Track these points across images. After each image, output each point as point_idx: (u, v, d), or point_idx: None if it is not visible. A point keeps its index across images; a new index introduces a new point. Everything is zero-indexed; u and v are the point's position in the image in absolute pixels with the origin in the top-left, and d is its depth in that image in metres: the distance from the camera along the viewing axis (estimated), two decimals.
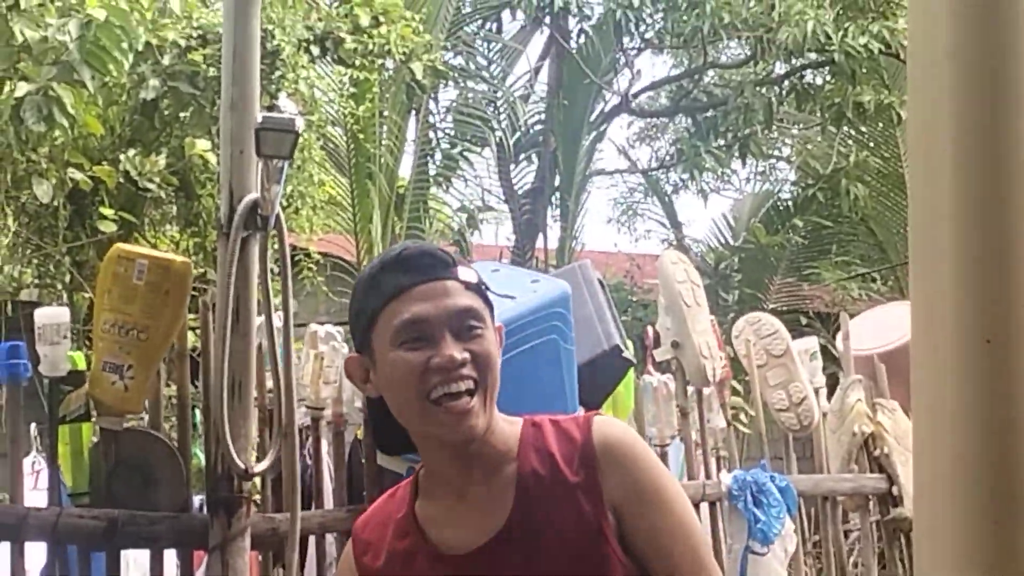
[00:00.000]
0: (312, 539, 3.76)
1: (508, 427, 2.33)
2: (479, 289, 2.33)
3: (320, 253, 11.41)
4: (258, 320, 3.32)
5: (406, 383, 2.24)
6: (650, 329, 4.73)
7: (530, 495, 2.28)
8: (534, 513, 2.27)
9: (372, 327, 2.28)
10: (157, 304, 3.26)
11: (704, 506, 4.37)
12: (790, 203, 15.13)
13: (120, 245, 3.39)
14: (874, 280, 14.50)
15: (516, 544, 2.27)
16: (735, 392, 8.68)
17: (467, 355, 2.28)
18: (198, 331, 3.62)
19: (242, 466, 3.20)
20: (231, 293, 3.16)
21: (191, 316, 3.93)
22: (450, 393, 2.25)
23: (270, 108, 7.80)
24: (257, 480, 3.60)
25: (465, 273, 2.33)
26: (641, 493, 2.26)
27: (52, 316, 3.36)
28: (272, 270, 3.36)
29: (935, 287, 1.54)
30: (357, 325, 2.32)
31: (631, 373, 4.01)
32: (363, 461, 3.75)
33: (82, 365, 3.51)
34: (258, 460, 3.35)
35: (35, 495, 4.56)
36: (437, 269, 2.33)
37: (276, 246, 3.30)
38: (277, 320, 3.38)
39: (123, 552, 3.45)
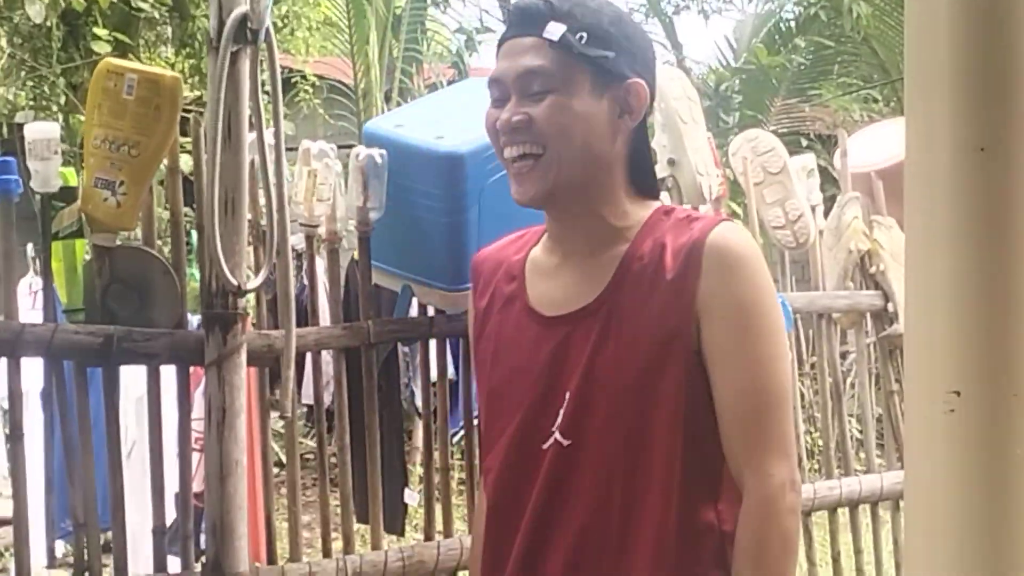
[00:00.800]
0: (308, 356, 3.79)
1: (634, 207, 2.35)
2: (568, 47, 2.26)
3: (317, 75, 11.36)
4: (250, 136, 3.29)
5: (491, 140, 2.39)
6: None
7: (627, 278, 2.30)
8: (624, 297, 2.29)
9: None
10: (148, 119, 3.23)
11: None
12: (792, 23, 14.98)
13: (109, 59, 3.34)
14: (876, 100, 14.47)
15: (599, 321, 2.31)
16: (734, 215, 8.69)
17: (522, 117, 2.29)
18: (192, 152, 3.59)
19: (235, 282, 3.20)
20: (221, 108, 3.13)
21: (184, 140, 3.91)
22: (513, 156, 2.32)
23: None
24: (252, 298, 3.61)
25: (553, 30, 2.27)
26: (727, 306, 2.22)
27: (42, 131, 3.33)
28: (263, 85, 3.33)
29: (929, 94, 1.52)
30: None
31: None
32: (359, 278, 3.76)
33: (74, 182, 3.49)
34: (254, 277, 3.35)
35: (33, 315, 4.59)
36: (525, 24, 2.31)
37: (267, 61, 3.26)
38: (269, 136, 3.36)
39: (123, 372, 3.48)
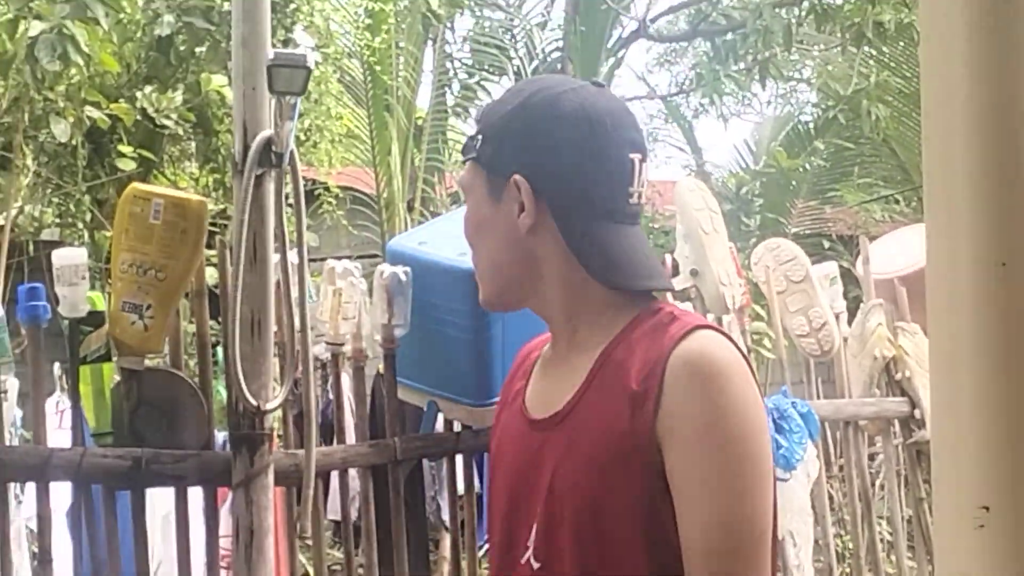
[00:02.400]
0: (335, 474, 3.79)
1: (618, 303, 2.11)
2: (467, 151, 2.18)
3: (339, 187, 11.42)
4: (275, 257, 3.32)
5: None
6: (668, 258, 4.72)
7: (593, 386, 2.09)
8: (589, 405, 2.09)
9: None
10: (174, 243, 3.26)
11: None
12: (811, 125, 15.06)
13: (136, 185, 3.39)
14: (897, 201, 14.47)
15: (566, 429, 2.11)
16: (758, 317, 8.68)
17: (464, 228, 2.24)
18: (217, 267, 3.62)
19: (254, 403, 3.21)
20: (246, 230, 3.17)
21: (210, 253, 3.94)
22: None
23: (285, 42, 7.80)
24: (279, 417, 3.62)
25: (467, 147, 2.19)
26: (690, 429, 1.97)
27: (69, 257, 3.37)
28: (287, 207, 3.36)
29: (949, 209, 1.53)
30: None
31: None
32: (384, 394, 3.77)
33: (102, 306, 3.52)
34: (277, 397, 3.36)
35: (59, 434, 4.60)
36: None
37: (291, 181, 3.30)
38: (293, 256, 3.39)
39: (147, 491, 3.48)
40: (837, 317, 4.90)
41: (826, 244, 12.42)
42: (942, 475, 1.56)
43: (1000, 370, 1.49)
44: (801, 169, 14.00)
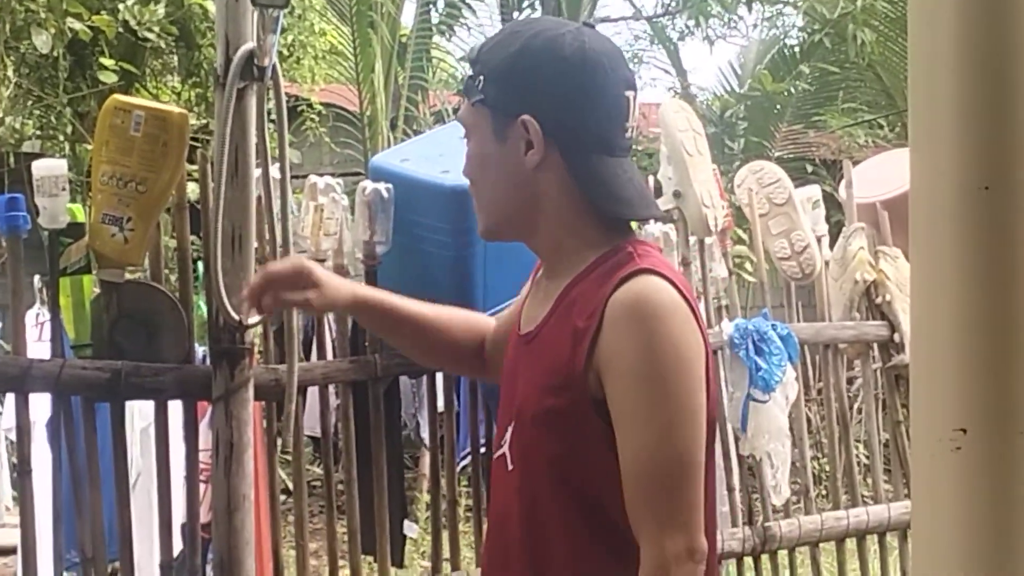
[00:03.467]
0: (315, 389, 3.79)
1: (600, 237, 2.29)
2: (469, 91, 2.31)
3: (322, 103, 11.37)
4: (257, 172, 3.30)
5: None
6: (651, 179, 4.71)
7: (554, 316, 2.29)
8: (547, 333, 2.29)
9: None
10: (155, 156, 3.24)
11: None
12: (796, 49, 15.02)
13: (116, 96, 3.36)
14: (881, 126, 14.47)
15: (532, 349, 2.33)
16: (740, 241, 8.69)
17: (467, 170, 2.38)
18: (199, 182, 3.61)
19: (236, 317, 3.21)
20: (228, 144, 3.15)
21: (192, 167, 3.92)
22: None
23: None
24: (260, 332, 3.62)
25: (468, 76, 2.32)
26: (622, 365, 2.15)
27: (49, 168, 3.35)
28: (269, 122, 3.34)
29: (933, 133, 1.53)
30: None
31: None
32: None
33: (82, 217, 3.50)
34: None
35: (40, 346, 4.60)
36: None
37: (273, 96, 3.27)
38: (275, 171, 3.37)
39: (127, 403, 3.49)
40: (819, 240, 4.90)
41: (809, 168, 12.43)
42: (920, 398, 1.57)
43: (980, 294, 1.50)
44: (786, 93, 13.97)
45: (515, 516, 2.33)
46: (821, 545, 4.77)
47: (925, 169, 1.55)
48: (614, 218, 2.32)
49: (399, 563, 4.18)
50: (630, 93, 2.29)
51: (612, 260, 2.25)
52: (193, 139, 9.23)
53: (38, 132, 9.11)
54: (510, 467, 2.35)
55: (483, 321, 2.75)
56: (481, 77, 2.29)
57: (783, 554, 4.67)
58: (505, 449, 2.36)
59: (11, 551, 5.40)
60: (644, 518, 2.16)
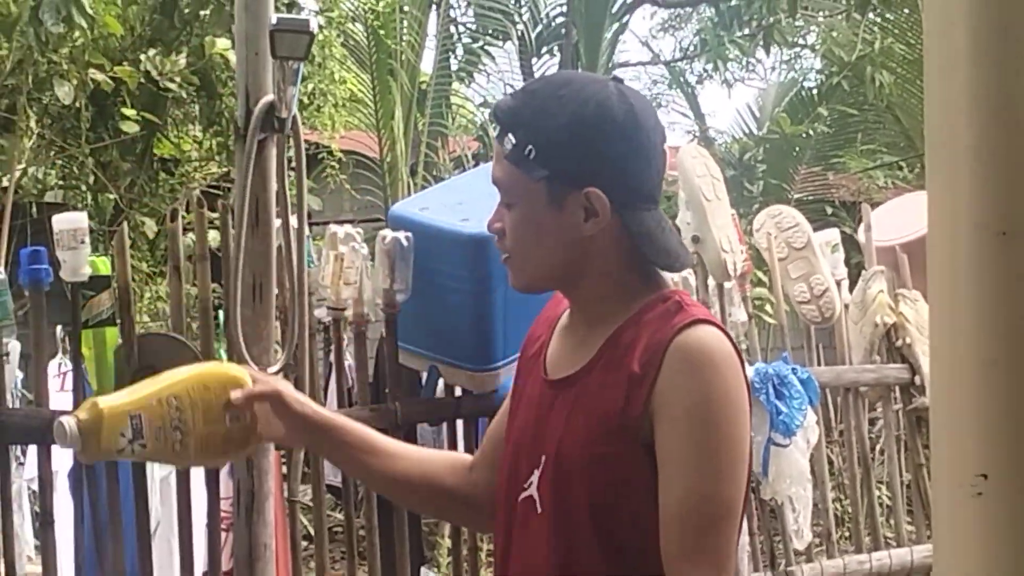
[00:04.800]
0: None
1: (639, 286, 2.29)
2: (517, 161, 2.26)
3: (343, 150, 11.41)
4: (277, 222, 3.32)
5: None
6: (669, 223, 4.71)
7: (599, 363, 2.28)
8: (595, 378, 2.28)
9: None
10: (217, 439, 2.88)
11: None
12: (815, 92, 15.00)
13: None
14: (900, 168, 14.45)
15: (573, 394, 2.31)
16: (760, 283, 8.67)
17: (499, 225, 2.33)
18: (220, 231, 3.63)
19: (255, 367, 3.21)
20: (248, 195, 3.16)
21: (213, 215, 3.94)
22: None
23: (289, 6, 7.77)
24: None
25: (507, 144, 2.27)
26: (679, 409, 2.17)
27: (69, 221, 3.37)
28: (289, 171, 3.36)
29: (951, 177, 1.53)
30: None
31: None
32: (386, 359, 3.78)
33: (105, 270, 3.53)
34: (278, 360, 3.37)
35: (62, 396, 4.61)
36: (497, 128, 2.31)
37: (293, 146, 3.29)
38: (295, 221, 3.39)
39: None
40: (839, 284, 4.90)
41: (829, 210, 12.39)
42: (940, 442, 1.56)
43: (1000, 338, 1.49)
44: (804, 135, 13.95)
45: (544, 562, 2.33)
46: None
47: (942, 213, 1.55)
48: (666, 269, 2.34)
49: None
50: (665, 145, 2.32)
51: (661, 308, 2.26)
52: (214, 187, 9.29)
53: (60, 182, 9.15)
54: (539, 510, 2.33)
55: (462, 459, 2.69)
56: (530, 147, 2.25)
57: None
58: (532, 492, 2.34)
59: None
60: (681, 556, 2.16)
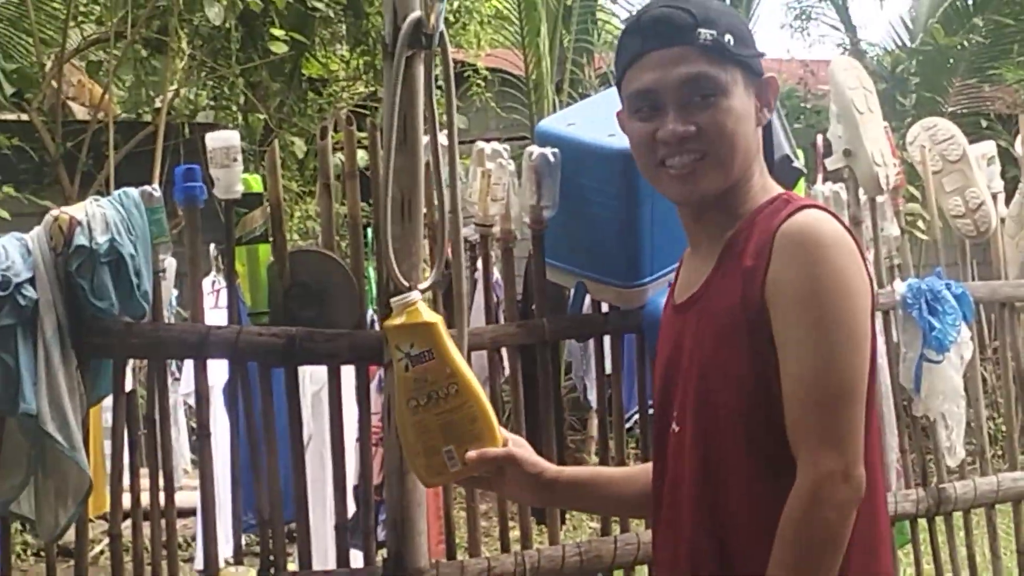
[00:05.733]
0: (484, 353, 3.82)
1: (755, 195, 2.33)
2: (721, 51, 2.28)
3: (488, 68, 11.41)
4: (425, 139, 3.33)
5: (639, 152, 2.35)
6: (820, 138, 4.64)
7: (721, 266, 2.31)
8: (715, 283, 2.31)
9: (620, 90, 2.38)
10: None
11: (878, 315, 4.33)
12: (970, 1, 14.60)
13: None
14: None
15: (695, 311, 2.34)
16: (912, 198, 8.53)
17: (692, 128, 2.29)
18: (368, 150, 3.65)
19: (406, 284, 3.24)
20: (396, 112, 3.17)
21: (361, 135, 3.97)
22: (680, 164, 2.31)
23: None
24: (430, 297, 3.65)
25: (707, 36, 2.28)
26: (790, 292, 2.17)
27: (222, 139, 3.42)
28: (437, 88, 3.37)
29: None
30: (617, 84, 2.41)
31: (802, 183, 3.96)
32: (534, 276, 3.79)
33: (257, 187, 3.58)
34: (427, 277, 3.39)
35: (216, 313, 4.71)
36: (669, 35, 2.30)
37: (441, 63, 3.30)
38: (443, 138, 3.39)
39: (301, 368, 3.56)
40: (994, 197, 4.79)
41: (984, 124, 12.12)
42: None
43: None
44: (959, 47, 13.61)
45: (688, 474, 2.35)
46: (997, 507, 4.69)
47: None
48: (774, 171, 2.38)
49: (540, 522, 4.22)
50: None
51: (770, 208, 2.28)
52: (361, 106, 9.36)
53: (211, 103, 9.29)
54: (676, 429, 2.37)
55: None
56: (729, 36, 2.29)
57: (958, 516, 4.60)
58: (673, 424, 2.37)
59: (190, 513, 5.55)
60: (803, 438, 2.17)
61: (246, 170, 3.64)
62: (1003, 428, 5.03)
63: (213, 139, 3.40)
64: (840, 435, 2.16)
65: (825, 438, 2.15)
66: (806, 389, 2.16)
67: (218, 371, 3.79)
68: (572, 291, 3.95)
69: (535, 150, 3.66)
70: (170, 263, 3.77)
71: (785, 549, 2.19)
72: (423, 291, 3.32)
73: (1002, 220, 4.83)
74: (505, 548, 3.77)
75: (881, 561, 2.34)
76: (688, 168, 2.30)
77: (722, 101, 2.29)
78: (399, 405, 2.49)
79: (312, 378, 4.53)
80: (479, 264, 4.09)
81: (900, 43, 14.79)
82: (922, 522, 4.49)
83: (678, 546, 2.38)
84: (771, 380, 2.21)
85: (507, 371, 3.87)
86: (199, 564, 5.01)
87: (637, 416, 4.04)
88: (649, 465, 2.60)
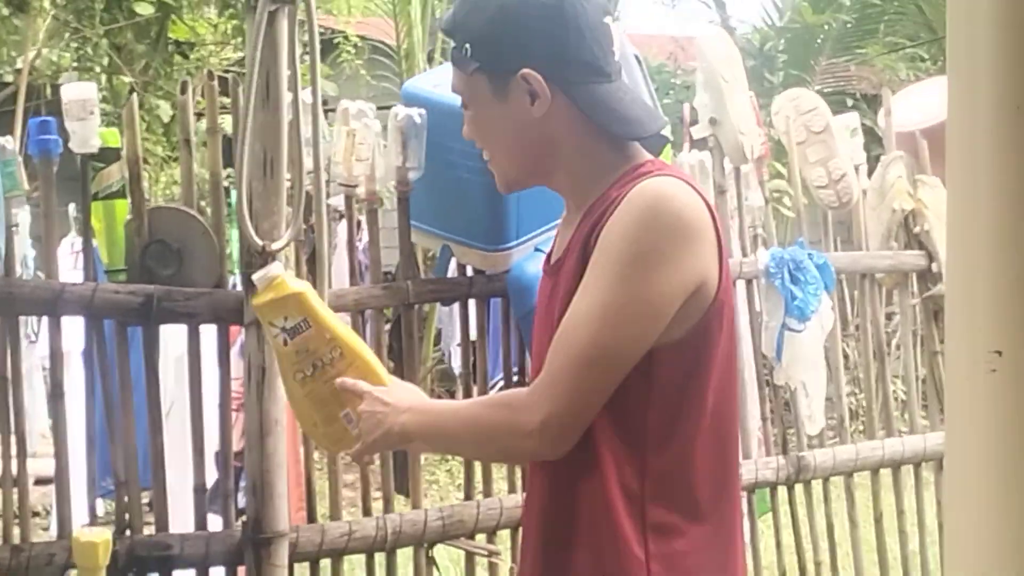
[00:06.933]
0: (348, 316, 3.78)
1: (615, 160, 2.33)
2: (461, 63, 2.35)
3: (359, 36, 11.33)
4: (289, 97, 3.28)
5: None
6: (687, 106, 4.66)
7: (575, 234, 2.33)
8: (570, 250, 2.33)
9: None
10: None
11: (740, 284, 4.36)
12: None
13: None
14: (923, 59, 14.32)
15: (558, 278, 2.36)
16: (779, 175, 8.62)
17: (467, 132, 2.45)
18: (231, 111, 3.59)
19: (259, 243, 3.20)
20: (258, 67, 3.12)
21: (226, 100, 3.91)
22: None
23: None
24: (291, 258, 3.61)
25: (455, 47, 2.36)
26: (603, 241, 2.20)
27: (78, 92, 3.34)
28: (301, 44, 3.31)
29: (971, 52, 1.50)
30: None
31: (668, 150, 3.97)
32: (398, 238, 3.75)
33: (115, 143, 3.50)
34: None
35: (76, 275, 4.60)
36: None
37: (306, 19, 3.24)
38: (307, 96, 3.35)
39: (162, 335, 3.49)
40: (857, 169, 4.84)
41: (850, 103, 12.30)
42: (955, 320, 1.55)
43: (1017, 213, 1.47)
44: (826, 26, 13.80)
45: None
46: (856, 476, 4.75)
47: (962, 89, 1.53)
48: (628, 140, 2.35)
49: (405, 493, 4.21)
50: (607, 18, 2.34)
51: (634, 173, 2.29)
52: (230, 72, 9.23)
53: (75, 64, 9.12)
54: None
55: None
56: (467, 45, 2.33)
57: (817, 484, 4.66)
58: None
59: (48, 481, 5.44)
60: (534, 383, 2.24)
61: (105, 126, 3.56)
62: (864, 403, 5.09)
63: (69, 91, 3.32)
64: (564, 392, 2.18)
65: (546, 391, 2.19)
66: (567, 333, 2.19)
67: (75, 336, 3.70)
68: (438, 254, 3.93)
69: (401, 110, 3.62)
70: (24, 217, 3.68)
71: (470, 420, 2.34)
72: (278, 250, 3.27)
73: (864, 192, 4.88)
74: (367, 512, 3.74)
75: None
76: (490, 164, 2.45)
77: (469, 113, 2.40)
78: (287, 381, 2.48)
79: (175, 342, 4.46)
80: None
81: (769, 21, 14.96)
82: (782, 490, 4.53)
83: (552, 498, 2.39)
84: None
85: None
86: (53, 530, 4.91)
87: (502, 383, 4.03)
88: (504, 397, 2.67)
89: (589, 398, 2.19)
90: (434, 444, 2.59)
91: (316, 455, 3.87)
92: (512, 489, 3.91)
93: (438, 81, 3.82)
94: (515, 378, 3.89)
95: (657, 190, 2.20)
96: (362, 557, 3.72)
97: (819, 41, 13.91)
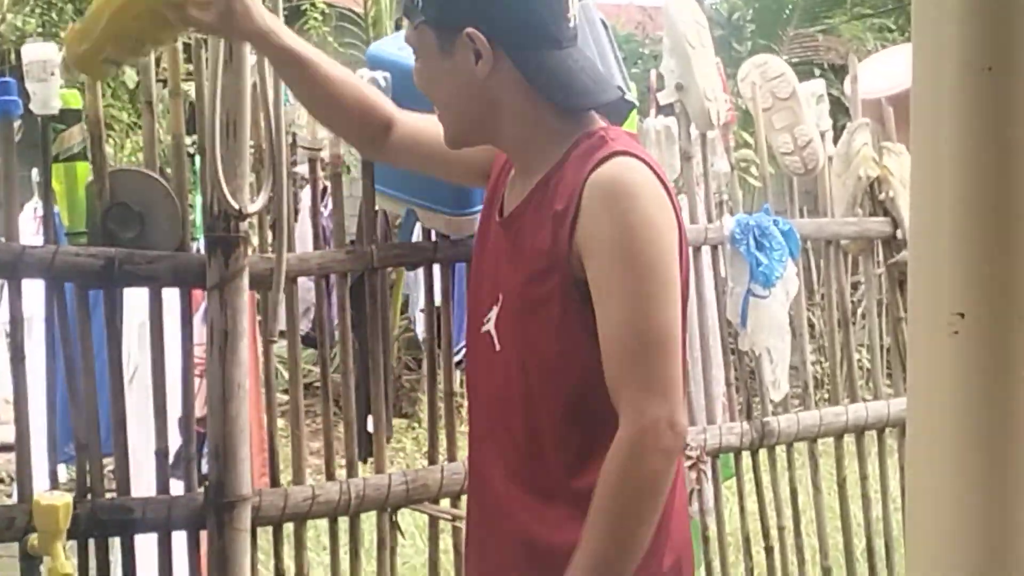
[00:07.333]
0: (312, 279, 3.77)
1: (565, 126, 2.38)
2: (410, 13, 2.42)
3: (326, 3, 11.27)
4: (252, 59, 3.25)
5: None
6: (653, 72, 4.65)
7: (531, 205, 2.39)
8: (526, 220, 2.40)
9: None
10: None
11: (706, 250, 4.37)
12: None
13: None
14: (891, 30, 14.35)
15: (510, 235, 2.44)
16: (746, 144, 8.62)
17: (417, 83, 2.54)
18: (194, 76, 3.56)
19: (236, 205, 3.18)
20: None
21: (190, 66, 3.87)
22: None
23: None
24: (256, 222, 3.58)
25: (409, 11, 2.43)
26: (602, 242, 2.24)
27: (38, 52, 3.30)
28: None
29: (937, 13, 1.50)
30: None
31: (634, 116, 3.95)
32: (363, 202, 3.73)
33: (76, 104, 3.46)
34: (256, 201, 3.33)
35: (38, 239, 4.56)
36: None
37: None
38: None
39: (125, 301, 3.47)
40: (823, 136, 4.85)
41: (817, 72, 12.31)
42: (918, 282, 1.55)
43: (981, 176, 1.47)
44: None
45: (517, 400, 2.39)
46: (819, 441, 4.77)
47: (927, 52, 1.53)
48: (575, 109, 2.40)
49: (364, 459, 4.21)
50: None
51: (585, 145, 2.34)
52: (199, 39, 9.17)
53: (40, 30, 9.05)
54: (497, 347, 2.45)
55: (382, 107, 2.83)
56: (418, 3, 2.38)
57: (781, 449, 4.67)
58: (490, 327, 2.46)
59: (10, 448, 5.41)
60: (626, 387, 2.26)
61: (67, 87, 3.53)
62: (828, 371, 5.11)
63: (29, 52, 3.29)
64: (663, 383, 2.22)
65: (648, 386, 2.21)
66: (625, 339, 2.23)
67: (37, 303, 3.67)
68: (401, 218, 3.92)
69: (366, 73, 3.60)
70: None
71: (609, 495, 2.24)
72: (252, 214, 3.26)
73: (829, 159, 4.89)
74: (330, 477, 3.73)
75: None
76: (439, 117, 2.54)
77: (420, 63, 2.47)
78: None
79: (139, 308, 4.43)
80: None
81: None
82: (745, 456, 4.55)
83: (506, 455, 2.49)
84: (579, 326, 2.31)
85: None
86: (14, 496, 4.88)
87: (466, 349, 4.02)
88: (360, 92, 2.80)
89: (679, 382, 2.25)
90: (625, 560, 2.27)
91: (280, 422, 3.86)
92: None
93: (403, 44, 3.79)
94: None
95: (625, 173, 2.29)
96: (325, 522, 3.71)
97: (787, 11, 13.94)
